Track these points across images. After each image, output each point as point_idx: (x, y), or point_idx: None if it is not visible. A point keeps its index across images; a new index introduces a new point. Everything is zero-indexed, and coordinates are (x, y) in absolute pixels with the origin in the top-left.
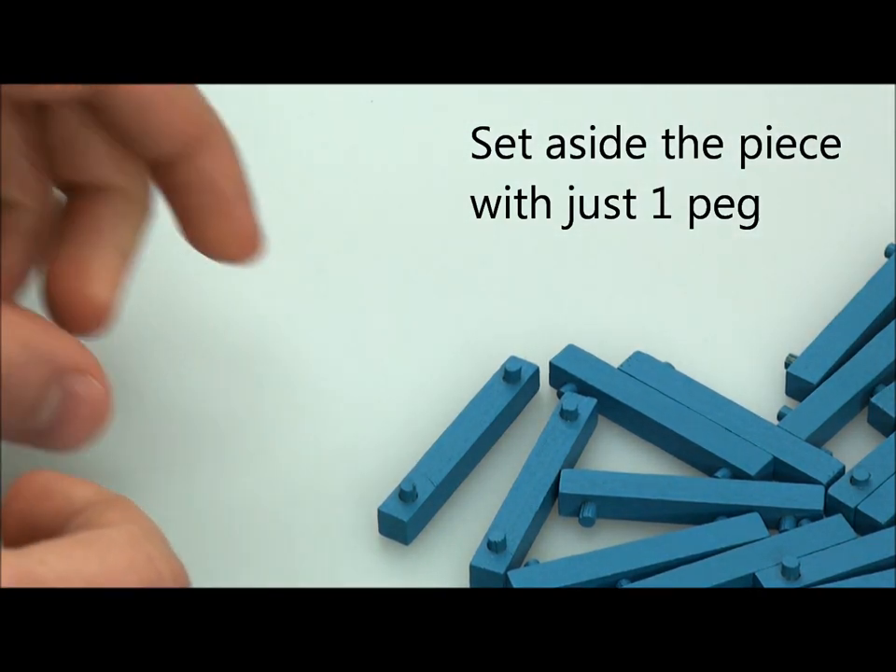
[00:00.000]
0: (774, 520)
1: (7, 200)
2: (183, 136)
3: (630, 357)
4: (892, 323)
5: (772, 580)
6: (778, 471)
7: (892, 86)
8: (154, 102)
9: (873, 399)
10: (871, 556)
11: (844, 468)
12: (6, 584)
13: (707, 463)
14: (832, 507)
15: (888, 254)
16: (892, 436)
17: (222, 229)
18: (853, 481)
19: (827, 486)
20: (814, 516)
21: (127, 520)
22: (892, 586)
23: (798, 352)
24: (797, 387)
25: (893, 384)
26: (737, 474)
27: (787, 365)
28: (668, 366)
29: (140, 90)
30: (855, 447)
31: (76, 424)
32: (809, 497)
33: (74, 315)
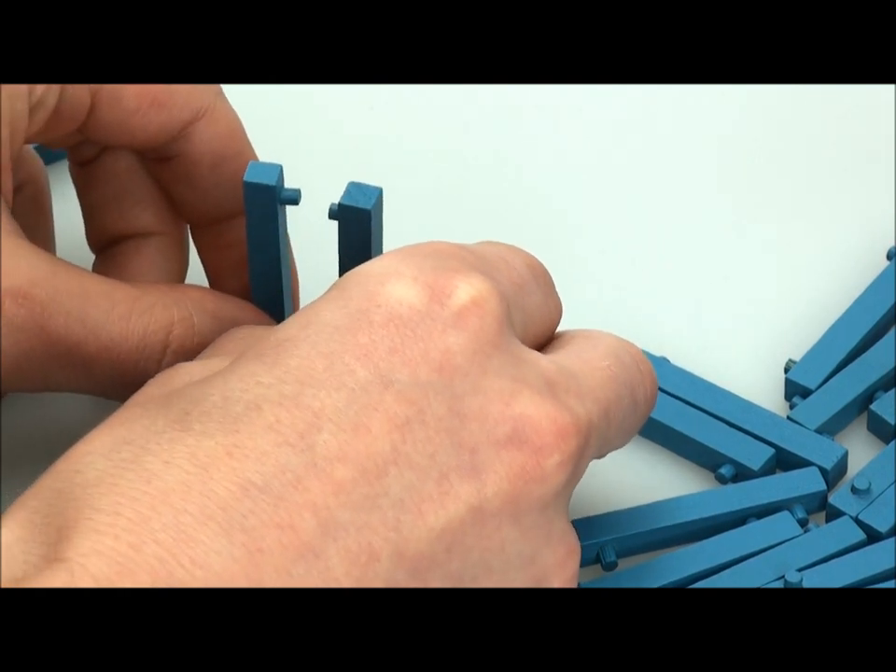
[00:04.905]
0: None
1: (146, 228)
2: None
3: None
4: (893, 328)
5: None
6: (782, 460)
7: (892, 86)
8: (228, 155)
9: (872, 407)
10: (873, 568)
11: (847, 452)
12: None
13: (709, 460)
14: (833, 516)
15: (889, 257)
16: (892, 444)
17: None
18: (854, 490)
19: (830, 471)
20: (819, 498)
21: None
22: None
23: (798, 357)
24: (796, 393)
25: (893, 390)
26: (741, 470)
27: (786, 370)
28: (664, 360)
29: (215, 141)
30: (855, 455)
31: None
32: (809, 481)
33: None
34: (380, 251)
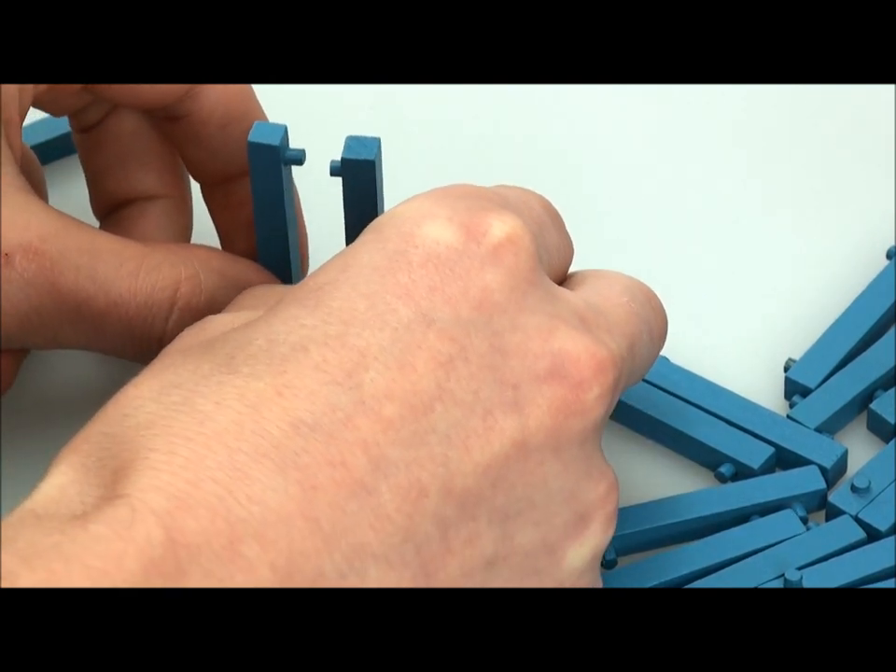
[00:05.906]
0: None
1: (150, 191)
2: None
3: None
4: (893, 327)
5: None
6: (782, 459)
7: (892, 86)
8: (236, 115)
9: (871, 406)
10: (873, 566)
11: (846, 451)
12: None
13: (709, 458)
14: (833, 515)
15: (889, 256)
16: (892, 443)
17: None
18: (853, 488)
19: (830, 470)
20: (819, 496)
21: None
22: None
23: (798, 356)
24: (796, 392)
25: (893, 389)
26: (741, 469)
27: (786, 369)
28: (664, 359)
29: (223, 101)
30: (854, 454)
31: None
32: (809, 480)
33: None
34: (383, 202)
